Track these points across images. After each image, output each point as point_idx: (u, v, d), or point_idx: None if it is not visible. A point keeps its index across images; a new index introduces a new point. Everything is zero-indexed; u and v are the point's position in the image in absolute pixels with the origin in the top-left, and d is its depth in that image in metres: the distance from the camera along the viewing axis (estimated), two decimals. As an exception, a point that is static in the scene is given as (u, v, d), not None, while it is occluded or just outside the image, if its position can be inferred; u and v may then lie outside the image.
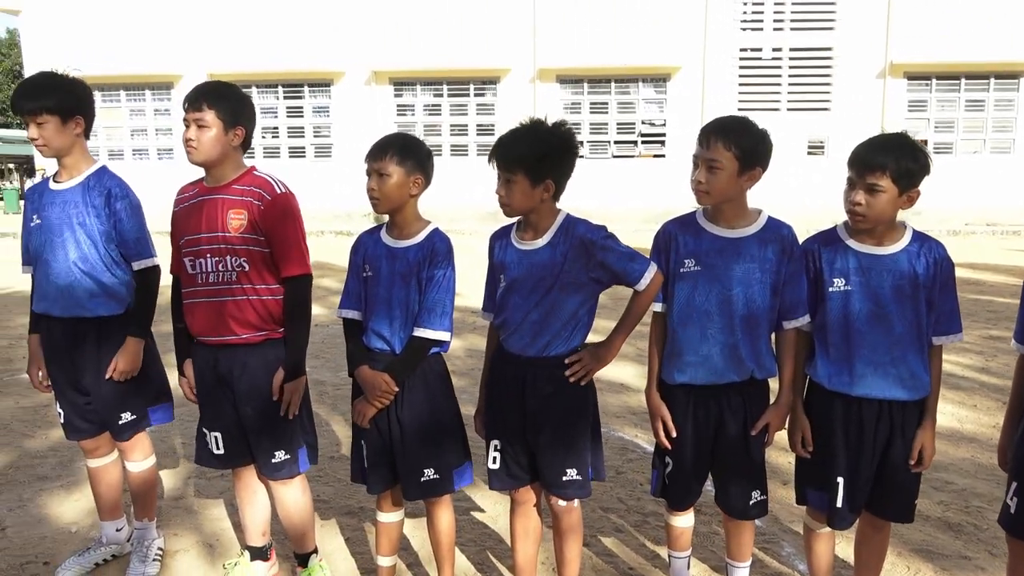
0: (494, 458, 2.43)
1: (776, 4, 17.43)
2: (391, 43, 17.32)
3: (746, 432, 2.34)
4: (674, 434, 2.36)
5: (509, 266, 2.34)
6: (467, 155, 17.97)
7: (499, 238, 2.43)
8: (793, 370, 2.35)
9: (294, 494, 2.66)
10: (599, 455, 2.46)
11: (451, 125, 18.11)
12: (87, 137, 2.78)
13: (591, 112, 17.93)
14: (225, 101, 2.45)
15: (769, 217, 2.32)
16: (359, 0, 17.29)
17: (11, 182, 38.22)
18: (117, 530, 3.04)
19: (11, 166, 43.52)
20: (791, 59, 17.55)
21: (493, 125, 17.88)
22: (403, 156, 2.38)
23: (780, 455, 3.71)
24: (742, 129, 2.22)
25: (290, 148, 18.27)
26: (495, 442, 2.44)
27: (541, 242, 2.30)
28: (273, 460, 2.56)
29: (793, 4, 17.36)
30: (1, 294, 9.70)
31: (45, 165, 19.01)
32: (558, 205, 2.36)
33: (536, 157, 2.20)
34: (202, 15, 17.47)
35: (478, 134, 18.07)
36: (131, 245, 2.75)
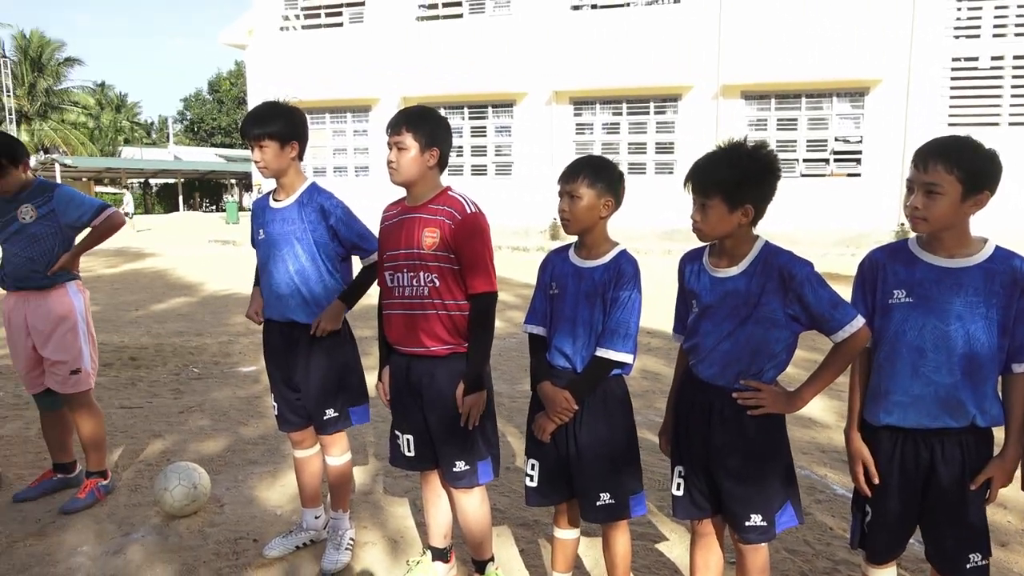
0: (678, 484, 2.37)
1: (997, 8, 15.72)
2: (572, 63, 17.60)
3: (963, 486, 2.09)
4: (876, 480, 2.17)
5: (701, 293, 2.27)
6: (645, 174, 17.80)
7: (690, 262, 2.37)
8: None
9: (473, 503, 2.75)
10: (796, 497, 2.30)
11: (629, 143, 18.04)
12: (300, 159, 3.07)
13: (778, 129, 17.12)
14: (422, 124, 2.60)
15: (997, 246, 2.08)
16: (542, 23, 17.77)
17: (232, 196, 42.99)
18: (315, 517, 3.31)
19: (232, 181, 49.05)
20: (1014, 68, 15.73)
21: (672, 143, 17.59)
22: (594, 178, 2.41)
23: (996, 512, 3.31)
24: (967, 149, 2.01)
25: (472, 166, 19.08)
26: (679, 468, 2.38)
27: (736, 270, 2.20)
28: (454, 469, 2.67)
29: (1019, 7, 15.56)
30: (222, 295, 10.91)
31: (261, 181, 21.22)
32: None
33: (734, 181, 2.11)
34: (398, 45, 18.77)
35: (657, 152, 17.85)
36: (359, 243, 3.03)
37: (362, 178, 19.72)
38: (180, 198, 46.33)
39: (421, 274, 2.59)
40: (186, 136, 64.16)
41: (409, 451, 2.78)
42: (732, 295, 2.19)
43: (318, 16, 19.92)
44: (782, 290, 2.13)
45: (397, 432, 2.81)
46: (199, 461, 4.18)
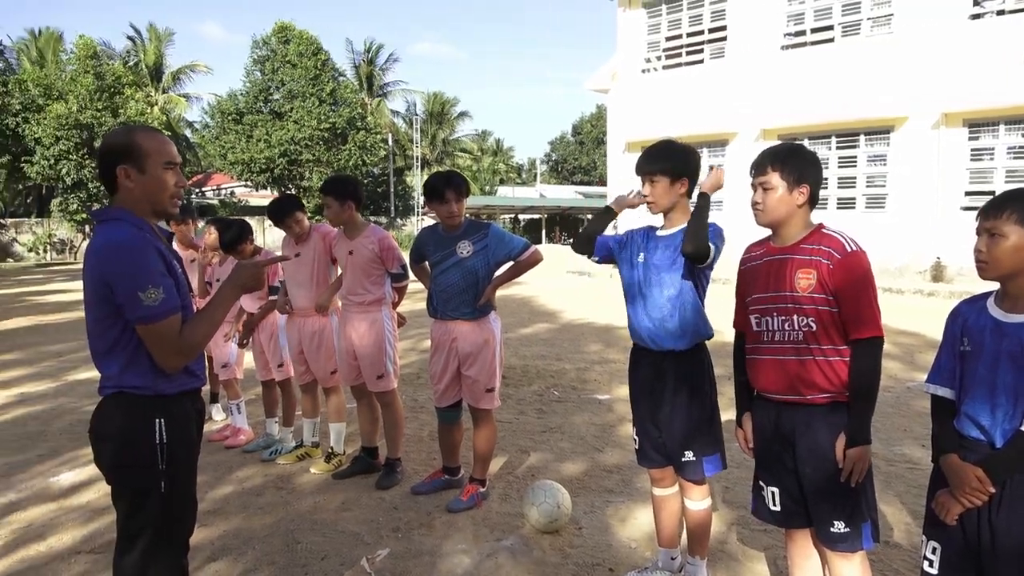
0: None
1: None
2: (966, 81, 15.27)
3: None
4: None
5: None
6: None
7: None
8: None
9: (852, 571, 2.45)
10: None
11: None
12: (689, 196, 3.07)
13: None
14: (789, 161, 2.48)
15: None
16: (927, 41, 15.75)
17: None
18: (672, 558, 3.26)
19: (589, 216, 52.12)
20: None
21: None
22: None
23: None
24: None
25: (839, 199, 17.59)
26: None
27: None
28: (832, 529, 2.42)
29: None
30: (579, 323, 11.56)
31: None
32: None
33: None
34: (759, 76, 18.21)
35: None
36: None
37: (715, 211, 19.46)
38: (543, 231, 50.76)
39: (795, 318, 2.43)
40: (551, 175, 70.29)
41: (774, 505, 2.59)
42: None
43: (679, 55, 20.29)
44: None
45: (761, 483, 2.63)
46: (560, 481, 4.42)
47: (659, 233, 3.10)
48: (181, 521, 2.33)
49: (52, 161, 32.51)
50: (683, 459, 3.03)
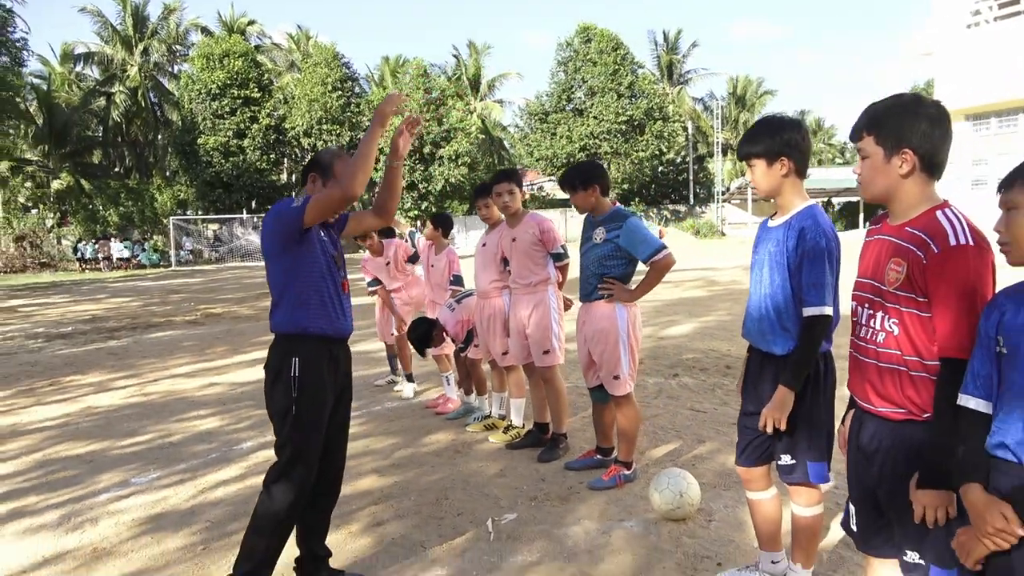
0: None
1: None
2: None
3: None
4: None
5: None
6: None
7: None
8: None
9: None
10: None
11: None
12: (801, 177, 2.80)
13: None
14: (886, 121, 2.05)
15: None
16: None
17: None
18: (773, 562, 3.04)
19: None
20: None
21: None
22: None
23: None
24: None
25: None
26: None
27: None
28: (905, 558, 2.09)
29: None
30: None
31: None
32: None
33: None
34: None
35: None
36: (805, 289, 2.68)
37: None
38: (860, 215, 45.88)
39: (879, 314, 2.09)
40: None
41: (853, 524, 2.29)
42: None
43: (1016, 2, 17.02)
44: None
45: (849, 500, 2.35)
46: (719, 474, 4.28)
47: (769, 224, 2.88)
48: (309, 443, 2.89)
49: (390, 167, 38.09)
50: (780, 461, 2.82)
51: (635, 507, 3.91)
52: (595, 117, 40.14)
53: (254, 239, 39.24)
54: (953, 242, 1.90)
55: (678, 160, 46.32)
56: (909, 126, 2.00)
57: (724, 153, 48.80)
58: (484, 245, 5.22)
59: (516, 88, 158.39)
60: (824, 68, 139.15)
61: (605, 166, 39.90)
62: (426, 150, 38.38)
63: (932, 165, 2.02)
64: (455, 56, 49.41)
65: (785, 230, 2.74)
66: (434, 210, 34.76)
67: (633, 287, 4.12)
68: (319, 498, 3.10)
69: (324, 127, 39.00)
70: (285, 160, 42.63)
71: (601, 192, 4.17)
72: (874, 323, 2.10)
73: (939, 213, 1.98)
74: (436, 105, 38.64)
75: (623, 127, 39.93)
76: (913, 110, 2.01)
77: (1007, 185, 1.70)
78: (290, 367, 2.84)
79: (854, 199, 47.66)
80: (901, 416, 2.05)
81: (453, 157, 38.33)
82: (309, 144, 39.71)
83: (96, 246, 36.89)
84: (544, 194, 48.03)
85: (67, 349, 10.64)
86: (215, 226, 41.92)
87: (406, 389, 6.75)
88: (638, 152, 40.30)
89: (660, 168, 43.77)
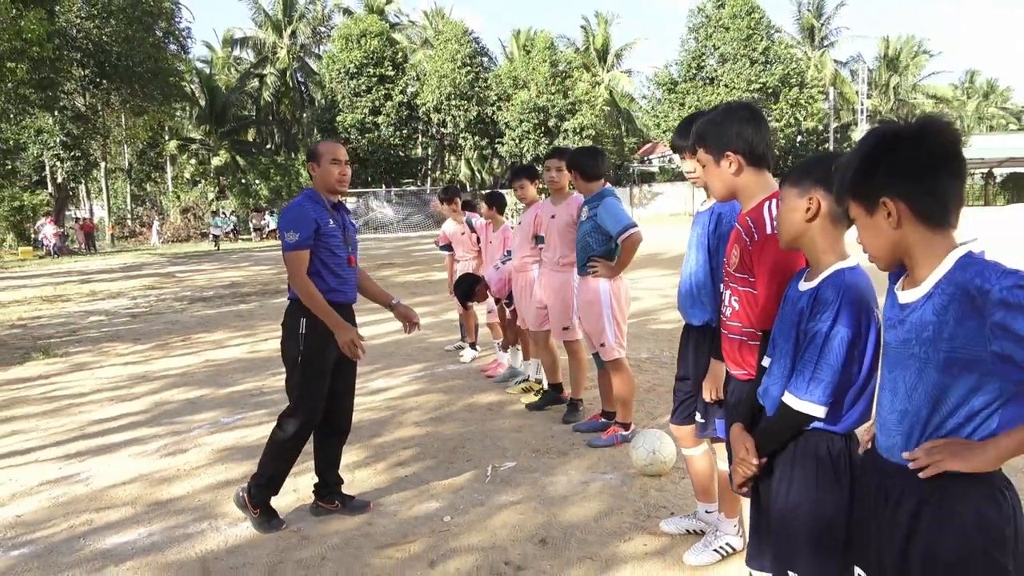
0: None
1: None
2: None
3: None
4: None
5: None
6: None
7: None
8: None
9: None
10: None
11: None
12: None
13: None
14: (707, 135, 2.39)
15: None
16: None
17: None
18: (707, 511, 3.41)
19: None
20: None
21: None
22: None
23: None
24: None
25: None
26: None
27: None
28: (697, 418, 2.72)
29: None
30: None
31: None
32: None
33: None
34: None
35: None
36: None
37: None
38: (1028, 188, 41.64)
39: (727, 292, 2.46)
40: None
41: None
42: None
43: None
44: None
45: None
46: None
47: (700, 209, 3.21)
48: (312, 386, 3.57)
49: (517, 141, 38.86)
50: (697, 420, 3.18)
51: (622, 463, 4.34)
52: (726, 85, 38.88)
53: (388, 212, 41.51)
54: (768, 231, 2.23)
55: (820, 129, 43.92)
56: (727, 132, 2.33)
57: (870, 121, 45.69)
58: (520, 223, 5.71)
59: (645, 55, 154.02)
60: (997, 24, 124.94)
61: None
62: (551, 123, 38.83)
63: (756, 157, 2.34)
64: (583, 27, 49.23)
65: (709, 215, 3.06)
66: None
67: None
68: (331, 435, 3.79)
69: (452, 102, 40.31)
70: (419, 136, 44.46)
71: (582, 177, 4.56)
72: (726, 300, 2.46)
73: (767, 203, 2.30)
74: (562, 78, 38.89)
75: (756, 95, 38.42)
76: (727, 118, 2.35)
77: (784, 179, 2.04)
78: (299, 325, 3.52)
79: (1021, 169, 43.26)
80: (745, 377, 2.42)
81: (578, 130, 38.51)
82: (439, 119, 41.23)
83: (234, 219, 40.13)
84: (674, 167, 47.13)
85: (204, 311, 12.19)
86: (352, 200, 44.62)
87: (466, 355, 7.42)
88: (772, 121, 38.68)
89: (799, 138, 41.76)
